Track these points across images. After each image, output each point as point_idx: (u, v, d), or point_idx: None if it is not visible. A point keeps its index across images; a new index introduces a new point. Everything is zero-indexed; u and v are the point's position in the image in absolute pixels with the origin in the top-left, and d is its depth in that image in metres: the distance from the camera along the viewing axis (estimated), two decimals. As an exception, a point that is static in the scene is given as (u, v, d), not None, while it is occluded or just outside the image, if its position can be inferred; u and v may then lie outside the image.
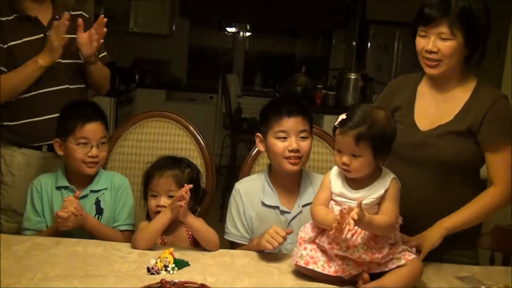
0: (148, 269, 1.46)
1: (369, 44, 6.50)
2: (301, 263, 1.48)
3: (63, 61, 2.10)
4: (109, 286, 1.36)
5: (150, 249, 1.63)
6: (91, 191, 1.85)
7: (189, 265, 1.53)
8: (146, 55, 6.64)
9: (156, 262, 1.48)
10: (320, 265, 1.46)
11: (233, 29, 7.41)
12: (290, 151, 1.68)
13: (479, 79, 1.78)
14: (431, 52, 1.66)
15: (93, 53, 2.08)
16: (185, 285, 1.28)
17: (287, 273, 1.53)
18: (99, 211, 1.86)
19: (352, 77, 4.59)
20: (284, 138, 1.70)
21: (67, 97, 2.03)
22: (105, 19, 2.05)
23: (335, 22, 6.69)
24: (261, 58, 7.49)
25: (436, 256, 1.63)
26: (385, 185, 1.47)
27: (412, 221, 1.62)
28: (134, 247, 1.64)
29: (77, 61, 2.15)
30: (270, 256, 1.65)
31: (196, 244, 1.74)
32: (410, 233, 1.64)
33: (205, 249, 1.67)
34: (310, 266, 1.46)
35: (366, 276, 1.42)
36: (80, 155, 1.79)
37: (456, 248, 1.72)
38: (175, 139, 2.25)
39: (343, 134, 1.45)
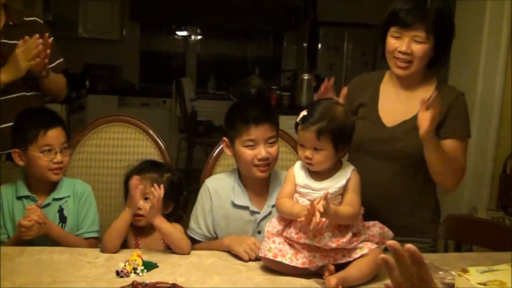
0: (117, 273, 1.46)
1: (319, 45, 6.64)
2: (270, 255, 1.51)
3: None
4: (79, 291, 1.36)
5: (116, 252, 1.64)
6: (54, 199, 1.83)
7: (157, 266, 1.54)
8: (96, 60, 6.54)
9: (125, 265, 1.48)
10: (288, 257, 1.50)
11: (184, 33, 7.40)
12: (260, 159, 1.70)
13: (438, 78, 1.87)
14: (404, 53, 1.73)
15: (41, 72, 2.06)
16: (157, 285, 1.30)
17: (254, 269, 1.57)
18: (63, 219, 1.83)
19: (305, 77, 4.68)
20: (253, 146, 1.71)
21: (24, 105, 2.00)
22: (50, 40, 2.01)
23: (287, 24, 6.80)
24: (213, 61, 7.51)
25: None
26: (346, 176, 1.54)
27: (377, 210, 1.70)
28: (102, 250, 1.64)
29: None
30: (236, 254, 1.68)
31: (170, 247, 1.74)
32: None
33: (173, 251, 1.68)
34: (279, 259, 1.50)
35: (331, 267, 1.48)
36: (45, 163, 1.77)
37: (417, 237, 1.81)
38: (135, 143, 2.26)
39: (305, 129, 1.51)
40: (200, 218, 1.79)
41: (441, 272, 1.58)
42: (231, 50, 7.60)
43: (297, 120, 1.54)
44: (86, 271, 1.49)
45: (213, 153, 2.19)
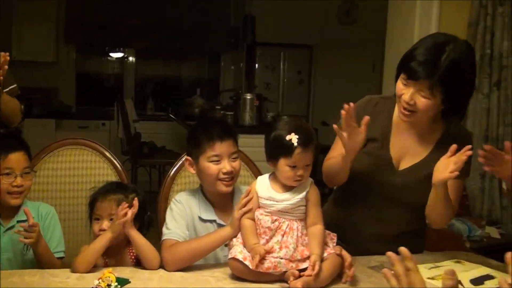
0: (93, 289, 1.51)
1: (256, 65, 6.84)
2: (240, 257, 1.61)
3: None
4: (58, 309, 1.40)
5: (87, 272, 1.68)
6: (18, 222, 1.83)
7: (130, 282, 1.59)
8: (31, 84, 6.40)
9: (99, 282, 1.53)
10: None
11: (120, 54, 7.40)
12: (224, 173, 1.79)
13: (445, 119, 1.85)
14: (407, 103, 1.71)
15: None
16: (135, 298, 1.36)
17: (223, 279, 1.65)
18: (29, 241, 1.85)
19: (248, 97, 4.84)
20: (217, 161, 1.79)
21: None
22: (8, 57, 2.00)
23: (225, 45, 6.95)
24: (151, 82, 7.54)
25: None
26: (306, 187, 1.67)
27: (370, 246, 1.89)
28: (73, 270, 1.67)
29: None
30: (203, 266, 1.76)
31: (139, 264, 1.78)
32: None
33: (142, 267, 1.73)
34: (246, 262, 1.60)
35: (295, 272, 1.58)
36: (4, 186, 1.78)
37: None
38: (92, 165, 2.30)
39: (306, 151, 1.61)
40: (183, 223, 1.81)
41: (393, 272, 1.73)
42: (168, 71, 7.68)
43: (295, 144, 1.59)
44: (60, 290, 1.53)
45: (170, 172, 2.25)
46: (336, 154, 1.89)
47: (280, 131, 1.65)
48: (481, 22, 3.50)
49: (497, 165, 1.63)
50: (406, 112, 1.74)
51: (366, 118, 1.70)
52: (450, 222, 3.20)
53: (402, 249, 1.04)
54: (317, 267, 1.57)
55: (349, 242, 1.93)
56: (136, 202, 1.74)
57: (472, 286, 1.52)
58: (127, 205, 1.72)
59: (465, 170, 1.76)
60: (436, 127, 1.87)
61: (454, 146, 1.62)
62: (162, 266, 1.73)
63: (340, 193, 2.06)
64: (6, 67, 2.02)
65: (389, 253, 1.01)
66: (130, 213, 1.71)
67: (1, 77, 2.03)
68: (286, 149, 1.61)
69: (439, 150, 1.80)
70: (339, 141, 1.86)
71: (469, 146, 1.62)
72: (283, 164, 1.64)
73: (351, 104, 1.68)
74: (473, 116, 3.55)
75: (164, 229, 1.82)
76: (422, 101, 1.69)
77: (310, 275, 1.55)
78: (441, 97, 1.68)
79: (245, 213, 1.68)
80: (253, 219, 1.69)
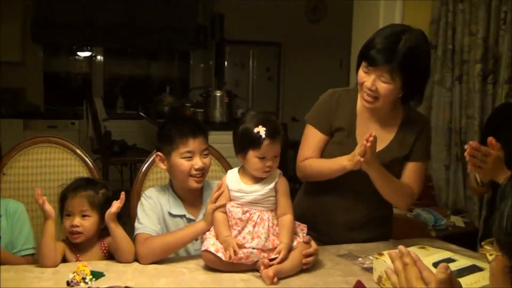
0: (68, 283, 1.53)
1: (226, 62, 6.87)
2: (212, 249, 1.66)
3: None
4: (34, 303, 1.42)
5: (57, 265, 1.69)
6: (-14, 220, 1.84)
7: (104, 275, 1.62)
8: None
9: (73, 275, 1.56)
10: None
11: (87, 53, 7.33)
12: (196, 169, 1.83)
13: (404, 105, 1.96)
14: (369, 89, 1.80)
15: None
16: (112, 289, 1.39)
17: (196, 270, 1.70)
18: (-5, 239, 1.86)
19: (218, 94, 4.87)
20: (190, 157, 1.83)
21: None
22: None
23: (194, 43, 6.96)
24: (120, 81, 7.50)
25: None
26: (274, 178, 1.73)
27: (344, 233, 2.01)
28: (40, 265, 1.69)
29: None
30: (177, 259, 1.80)
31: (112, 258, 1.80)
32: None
33: (115, 260, 1.76)
34: (219, 254, 1.65)
35: (266, 261, 1.64)
36: None
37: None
38: (63, 163, 2.29)
39: (274, 143, 1.68)
40: (150, 214, 1.83)
41: (360, 259, 1.81)
42: (137, 69, 7.64)
43: (263, 136, 1.65)
44: (36, 285, 1.54)
45: (142, 168, 2.27)
46: (330, 159, 1.94)
47: (247, 124, 1.71)
48: (442, 19, 3.61)
49: (479, 162, 1.78)
50: (369, 99, 1.83)
51: (374, 136, 1.72)
52: (416, 212, 3.31)
53: (401, 247, 1.10)
54: (281, 255, 1.63)
55: (323, 232, 2.02)
56: (123, 195, 1.75)
57: (435, 268, 1.59)
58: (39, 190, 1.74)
59: (421, 153, 1.95)
60: (397, 114, 1.96)
61: (368, 135, 1.71)
62: (136, 259, 1.76)
63: (311, 184, 2.12)
64: None
65: (390, 252, 1.08)
66: (116, 206, 1.73)
67: None
68: (255, 141, 1.67)
69: (401, 135, 1.95)
70: (311, 139, 1.98)
71: (371, 133, 1.71)
72: (252, 156, 1.69)
73: (373, 133, 1.72)
74: (436, 109, 3.66)
75: (136, 224, 1.85)
76: (383, 86, 1.79)
77: (280, 263, 1.61)
78: (401, 82, 1.78)
79: (217, 207, 1.73)
80: (225, 212, 1.74)
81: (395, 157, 1.93)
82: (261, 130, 1.67)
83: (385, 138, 1.94)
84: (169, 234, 1.82)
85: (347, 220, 2.02)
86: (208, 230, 1.75)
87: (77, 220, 1.80)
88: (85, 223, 1.81)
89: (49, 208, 1.73)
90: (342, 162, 1.84)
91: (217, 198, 1.74)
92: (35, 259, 1.85)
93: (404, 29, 1.82)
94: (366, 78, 1.81)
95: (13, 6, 6.19)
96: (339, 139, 1.98)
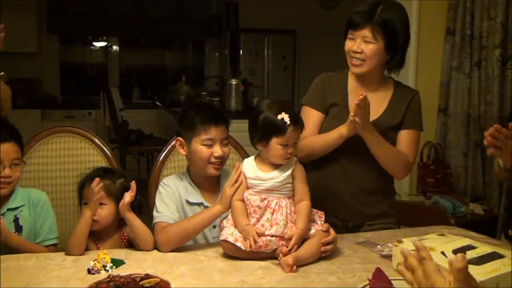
0: (89, 270, 1.55)
1: (241, 51, 6.85)
2: (231, 239, 1.67)
3: None
4: (56, 290, 1.44)
5: (82, 254, 1.72)
6: (8, 209, 1.86)
7: (124, 263, 1.64)
8: (14, 75, 6.33)
9: (94, 263, 1.58)
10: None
11: (103, 43, 7.36)
12: (216, 157, 1.84)
13: (394, 80, 2.14)
14: (355, 52, 1.95)
15: None
16: (132, 276, 1.40)
17: (215, 258, 1.71)
18: (18, 228, 1.87)
19: (234, 82, 4.86)
20: (210, 145, 1.84)
21: None
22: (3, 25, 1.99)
23: (209, 32, 6.95)
24: (135, 70, 7.53)
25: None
26: (291, 165, 1.73)
27: (353, 204, 2.07)
28: (67, 253, 1.71)
29: None
30: (196, 246, 1.82)
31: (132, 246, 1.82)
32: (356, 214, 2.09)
33: (135, 249, 1.78)
34: (238, 244, 1.66)
35: (284, 249, 1.64)
36: None
37: (388, 220, 2.13)
38: (82, 153, 2.32)
39: (297, 129, 1.70)
40: (168, 203, 1.85)
41: (379, 246, 1.80)
42: (152, 59, 7.66)
43: (288, 122, 1.67)
44: (57, 273, 1.56)
45: (159, 157, 2.28)
46: (325, 132, 2.05)
47: (268, 112, 1.70)
48: (460, 4, 3.55)
49: (500, 145, 1.80)
50: (357, 62, 1.98)
51: (364, 94, 1.84)
52: (435, 199, 3.29)
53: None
54: (293, 241, 1.64)
55: (328, 209, 2.01)
56: (134, 185, 1.77)
57: (454, 255, 1.58)
58: (100, 180, 1.75)
59: (413, 122, 2.06)
60: (387, 88, 2.10)
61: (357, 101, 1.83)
62: (155, 248, 1.78)
63: (312, 165, 2.15)
64: (3, 34, 2.00)
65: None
66: (129, 196, 1.75)
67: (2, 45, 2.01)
68: (279, 128, 1.68)
69: (393, 105, 2.06)
70: (307, 119, 2.03)
71: (362, 92, 1.83)
72: (275, 144, 1.69)
73: (364, 92, 1.85)
74: (455, 95, 3.62)
75: (154, 213, 1.86)
76: (368, 47, 1.94)
77: (293, 248, 1.63)
78: (384, 43, 1.94)
79: (236, 189, 1.73)
80: (243, 200, 1.74)
81: (388, 125, 2.03)
82: (285, 117, 1.67)
83: (377, 109, 2.03)
84: (185, 220, 1.83)
85: (348, 193, 2.07)
86: (225, 214, 1.76)
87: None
88: (101, 212, 1.82)
89: (97, 202, 1.75)
90: (340, 130, 1.95)
91: (236, 180, 1.75)
92: (58, 248, 1.88)
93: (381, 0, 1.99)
94: (352, 43, 1.97)
95: (29, -1, 6.23)
96: (334, 114, 2.08)
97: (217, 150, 1.84)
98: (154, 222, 1.83)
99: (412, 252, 1.11)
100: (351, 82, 2.11)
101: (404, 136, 2.06)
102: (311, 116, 2.10)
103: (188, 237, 1.79)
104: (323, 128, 2.10)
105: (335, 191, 2.09)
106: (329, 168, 2.09)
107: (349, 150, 2.01)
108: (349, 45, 1.99)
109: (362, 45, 1.95)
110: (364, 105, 1.84)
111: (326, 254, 1.71)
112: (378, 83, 2.08)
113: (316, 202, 1.99)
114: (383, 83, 2.10)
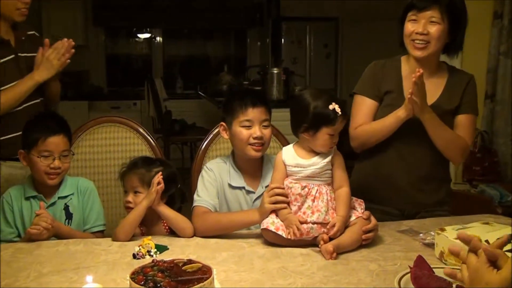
0: (134, 255, 1.60)
1: (283, 40, 6.83)
2: (272, 228, 1.69)
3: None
4: (103, 273, 1.49)
5: (129, 240, 1.77)
6: (59, 198, 1.94)
7: (168, 249, 1.68)
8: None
9: (139, 248, 1.63)
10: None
11: (147, 35, 7.48)
12: (255, 138, 1.86)
13: (447, 64, 2.10)
14: (421, 34, 1.91)
15: (50, 77, 2.23)
16: (175, 261, 1.44)
17: (256, 245, 1.73)
18: (69, 216, 1.95)
19: (275, 71, 4.87)
20: (249, 126, 1.86)
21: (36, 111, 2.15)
22: (73, 42, 2.27)
23: (250, 21, 6.96)
24: (178, 61, 7.62)
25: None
26: (330, 152, 1.74)
27: (409, 191, 2.05)
28: (114, 239, 1.77)
29: None
30: (237, 234, 1.84)
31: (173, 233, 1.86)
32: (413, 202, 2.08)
33: (179, 236, 1.82)
34: (279, 232, 1.68)
35: (325, 236, 1.64)
36: (42, 167, 1.87)
37: (444, 208, 2.12)
38: (127, 142, 2.38)
39: (345, 119, 1.73)
40: (209, 188, 1.89)
41: (421, 234, 1.78)
42: (195, 50, 7.72)
43: (339, 113, 1.69)
44: (104, 257, 1.62)
45: (201, 146, 2.32)
46: (382, 119, 2.03)
47: (317, 102, 1.70)
48: (509, -14, 3.44)
49: None
50: (421, 45, 1.93)
51: (421, 71, 1.83)
52: (481, 188, 3.21)
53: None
54: (336, 227, 1.65)
55: (385, 200, 2.06)
56: (160, 176, 1.80)
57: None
58: (160, 174, 1.79)
59: (470, 106, 2.04)
60: (441, 73, 2.06)
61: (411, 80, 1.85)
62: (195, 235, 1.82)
63: (366, 154, 2.14)
64: (73, 50, 2.27)
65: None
66: (154, 190, 1.78)
67: (68, 61, 2.27)
68: (331, 119, 1.69)
69: (449, 90, 2.03)
70: (361, 107, 2.06)
71: (418, 69, 1.83)
72: (324, 133, 1.70)
73: (421, 70, 1.84)
74: (503, 81, 3.52)
75: (195, 196, 1.91)
76: (434, 28, 1.91)
77: (335, 235, 1.64)
78: (448, 25, 1.91)
79: (275, 208, 1.73)
80: (283, 189, 1.75)
81: (445, 109, 1.99)
82: (336, 107, 1.69)
83: (434, 93, 2.01)
84: (224, 215, 1.87)
85: (405, 179, 2.05)
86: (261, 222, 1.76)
87: (130, 197, 1.88)
88: (137, 200, 1.86)
89: (155, 192, 1.80)
90: (397, 113, 1.94)
91: (275, 194, 1.73)
92: (105, 235, 1.94)
93: None
94: (415, 26, 1.93)
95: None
96: (389, 101, 2.05)
97: (256, 131, 1.86)
98: (193, 205, 1.88)
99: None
100: (405, 69, 2.07)
101: (461, 121, 2.02)
102: (365, 105, 2.08)
103: (222, 231, 1.82)
104: (378, 116, 2.07)
105: (391, 179, 2.08)
106: (384, 156, 2.07)
107: (405, 134, 1.99)
108: (411, 27, 1.94)
109: (428, 27, 1.91)
110: (420, 84, 1.82)
111: (367, 242, 1.70)
112: (434, 68, 2.04)
113: (371, 192, 2.04)
114: (438, 68, 2.06)
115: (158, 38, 7.46)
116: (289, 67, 5.92)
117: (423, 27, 1.91)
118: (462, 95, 2.02)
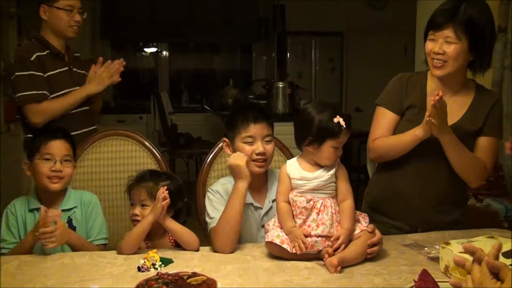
0: (139, 268, 1.61)
1: (288, 54, 6.87)
2: (277, 241, 1.69)
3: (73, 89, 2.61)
4: (108, 286, 1.49)
5: (134, 253, 1.77)
6: (63, 211, 1.93)
7: (173, 262, 1.68)
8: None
9: (144, 261, 1.63)
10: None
11: (153, 49, 7.54)
12: (257, 154, 1.87)
13: (476, 82, 2.05)
14: (437, 53, 1.87)
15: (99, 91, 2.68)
16: (179, 274, 1.44)
17: (261, 258, 1.73)
18: (72, 229, 1.94)
19: (280, 85, 4.90)
20: (251, 142, 1.87)
21: (86, 116, 2.69)
22: (124, 62, 2.70)
23: (256, 35, 7.00)
24: (184, 75, 7.66)
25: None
26: (334, 164, 1.76)
27: (425, 211, 2.01)
28: (119, 252, 1.77)
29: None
30: (242, 246, 1.84)
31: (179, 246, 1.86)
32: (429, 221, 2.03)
33: (184, 249, 1.82)
34: (284, 245, 1.68)
35: (330, 250, 1.64)
36: (44, 170, 1.89)
37: (458, 227, 2.05)
38: (132, 155, 2.39)
39: (349, 132, 1.73)
40: (219, 208, 1.86)
41: (426, 248, 1.78)
42: (201, 63, 7.77)
43: (343, 126, 1.70)
44: (109, 270, 1.63)
45: (206, 159, 2.32)
46: (400, 135, 1.99)
47: (321, 115, 1.72)
48: (513, 0, 3.46)
49: None
50: (438, 64, 1.89)
51: (440, 95, 1.77)
52: (487, 202, 3.20)
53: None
54: (341, 240, 1.65)
55: (398, 216, 2.04)
56: (165, 191, 1.79)
57: (504, 258, 1.55)
58: (166, 188, 1.80)
59: (493, 129, 1.98)
60: (467, 91, 2.01)
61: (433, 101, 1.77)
62: (209, 248, 1.82)
63: (383, 169, 2.12)
64: (122, 68, 2.69)
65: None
66: (160, 204, 1.78)
67: (120, 79, 2.71)
68: (336, 132, 1.70)
69: (473, 110, 1.97)
70: (381, 120, 2.03)
71: (438, 92, 1.77)
72: (329, 146, 1.71)
73: (440, 92, 1.78)
74: (507, 95, 3.52)
75: (207, 219, 1.90)
76: (450, 48, 1.86)
77: (340, 248, 1.65)
78: (467, 42, 1.85)
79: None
80: (289, 202, 1.76)
81: (467, 131, 1.95)
82: (340, 120, 1.70)
83: (457, 113, 1.96)
84: (223, 213, 1.82)
85: (421, 197, 2.02)
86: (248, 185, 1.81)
87: (137, 210, 1.88)
88: (144, 213, 1.86)
89: (160, 207, 1.79)
90: (415, 132, 1.90)
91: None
92: (110, 247, 1.95)
93: None
94: (433, 44, 1.89)
95: (82, 3, 6.43)
96: (410, 116, 2.01)
97: (258, 147, 1.87)
98: (209, 228, 1.87)
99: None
100: (430, 84, 2.03)
101: (483, 143, 1.97)
102: (386, 118, 2.05)
103: (234, 226, 1.79)
104: (398, 129, 2.04)
105: (406, 195, 2.04)
106: (401, 171, 2.03)
107: (424, 153, 1.95)
108: (430, 46, 1.91)
109: (444, 46, 1.87)
110: (440, 107, 1.78)
111: (372, 255, 1.70)
112: (459, 86, 1.99)
113: (386, 205, 2.03)
114: (464, 86, 2.01)
115: (164, 52, 7.52)
116: (295, 81, 5.96)
117: (439, 46, 1.87)
118: (486, 116, 1.97)
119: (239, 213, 1.80)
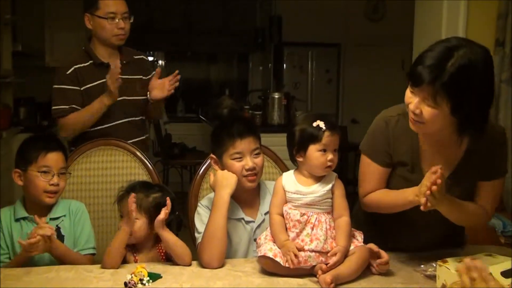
0: (126, 284, 1.55)
1: (284, 64, 6.85)
2: (270, 254, 1.64)
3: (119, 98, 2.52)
4: (93, 302, 1.44)
5: (119, 267, 1.72)
6: (51, 219, 1.89)
7: (161, 277, 1.63)
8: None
9: (131, 276, 1.58)
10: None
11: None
12: (247, 169, 1.82)
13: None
14: (413, 111, 1.56)
15: (163, 98, 2.67)
16: (167, 291, 1.40)
17: (252, 274, 1.68)
18: (60, 238, 1.89)
19: (276, 96, 4.87)
20: (240, 158, 1.83)
21: (138, 125, 2.66)
22: (179, 75, 2.73)
23: (253, 46, 6.99)
24: (180, 84, 7.58)
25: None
26: (331, 180, 1.71)
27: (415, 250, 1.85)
28: (103, 267, 1.72)
29: (131, 97, 2.63)
30: (233, 261, 1.79)
31: (169, 260, 1.81)
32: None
33: (173, 263, 1.77)
34: (277, 259, 1.63)
35: (324, 266, 1.60)
36: (42, 183, 1.85)
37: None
38: (123, 165, 2.35)
39: (333, 134, 1.68)
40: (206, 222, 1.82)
41: (422, 266, 1.73)
42: (197, 73, 7.74)
43: (323, 128, 1.67)
44: (95, 285, 1.58)
45: (199, 170, 2.28)
46: (395, 192, 1.76)
47: (304, 122, 1.71)
48: (510, 13, 3.43)
49: None
50: (415, 124, 1.61)
51: (438, 175, 1.52)
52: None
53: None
54: (337, 258, 1.60)
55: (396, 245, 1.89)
56: (169, 202, 1.77)
57: (503, 278, 1.50)
58: (134, 196, 1.76)
59: (497, 171, 1.74)
60: (465, 138, 1.68)
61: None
62: (197, 263, 1.77)
63: (375, 217, 1.91)
64: (178, 82, 2.73)
65: (458, 266, 1.07)
66: (163, 213, 1.74)
67: (173, 91, 2.71)
68: (315, 135, 1.67)
69: (470, 159, 1.71)
70: (369, 173, 1.81)
71: (437, 168, 1.52)
72: (313, 151, 1.68)
73: (440, 170, 1.52)
74: (505, 109, 3.49)
75: (196, 234, 1.86)
76: (427, 111, 1.53)
77: (335, 265, 1.60)
78: (449, 107, 1.50)
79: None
80: (282, 215, 1.71)
81: (464, 180, 1.72)
82: (320, 123, 1.68)
83: (449, 166, 1.71)
84: (207, 225, 1.79)
85: (417, 242, 1.88)
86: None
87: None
88: (135, 225, 1.81)
89: (133, 218, 1.76)
90: (408, 197, 1.64)
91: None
92: (95, 260, 1.89)
93: (460, 44, 1.52)
94: (412, 99, 1.57)
95: (76, 13, 6.35)
96: (402, 173, 1.78)
97: (248, 162, 1.83)
98: (197, 243, 1.83)
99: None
100: (422, 139, 1.74)
101: (486, 188, 1.73)
102: (373, 171, 1.80)
103: (220, 239, 1.74)
104: (390, 182, 1.81)
105: (397, 239, 1.89)
106: (397, 228, 1.86)
107: (417, 209, 1.63)
108: (409, 99, 1.58)
109: (421, 106, 1.54)
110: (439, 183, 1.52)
111: (382, 271, 1.69)
112: (447, 138, 1.68)
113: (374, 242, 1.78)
114: (453, 136, 1.66)
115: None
116: (291, 91, 5.93)
117: (415, 105, 1.54)
118: (488, 162, 1.70)
119: (224, 225, 1.76)
